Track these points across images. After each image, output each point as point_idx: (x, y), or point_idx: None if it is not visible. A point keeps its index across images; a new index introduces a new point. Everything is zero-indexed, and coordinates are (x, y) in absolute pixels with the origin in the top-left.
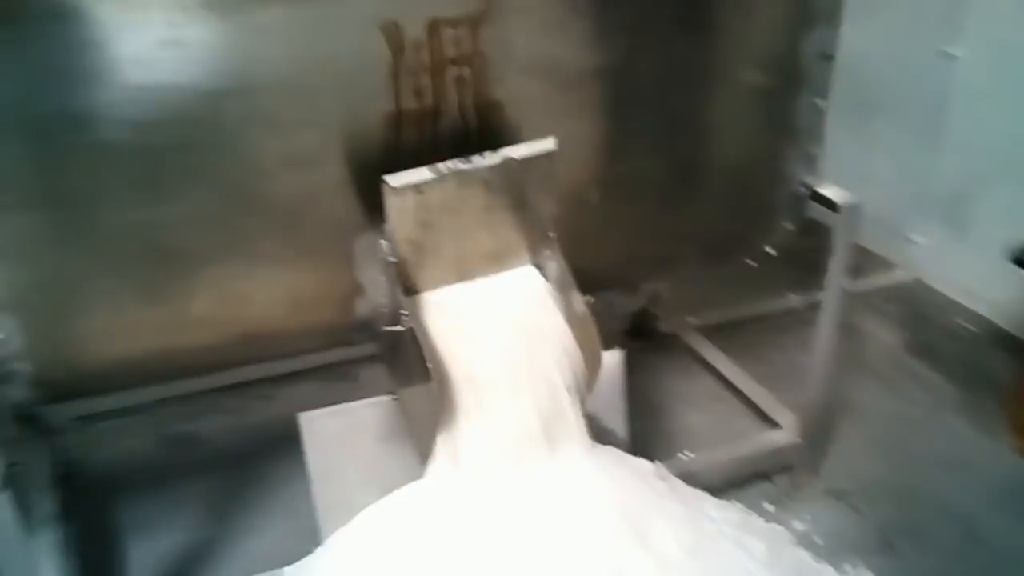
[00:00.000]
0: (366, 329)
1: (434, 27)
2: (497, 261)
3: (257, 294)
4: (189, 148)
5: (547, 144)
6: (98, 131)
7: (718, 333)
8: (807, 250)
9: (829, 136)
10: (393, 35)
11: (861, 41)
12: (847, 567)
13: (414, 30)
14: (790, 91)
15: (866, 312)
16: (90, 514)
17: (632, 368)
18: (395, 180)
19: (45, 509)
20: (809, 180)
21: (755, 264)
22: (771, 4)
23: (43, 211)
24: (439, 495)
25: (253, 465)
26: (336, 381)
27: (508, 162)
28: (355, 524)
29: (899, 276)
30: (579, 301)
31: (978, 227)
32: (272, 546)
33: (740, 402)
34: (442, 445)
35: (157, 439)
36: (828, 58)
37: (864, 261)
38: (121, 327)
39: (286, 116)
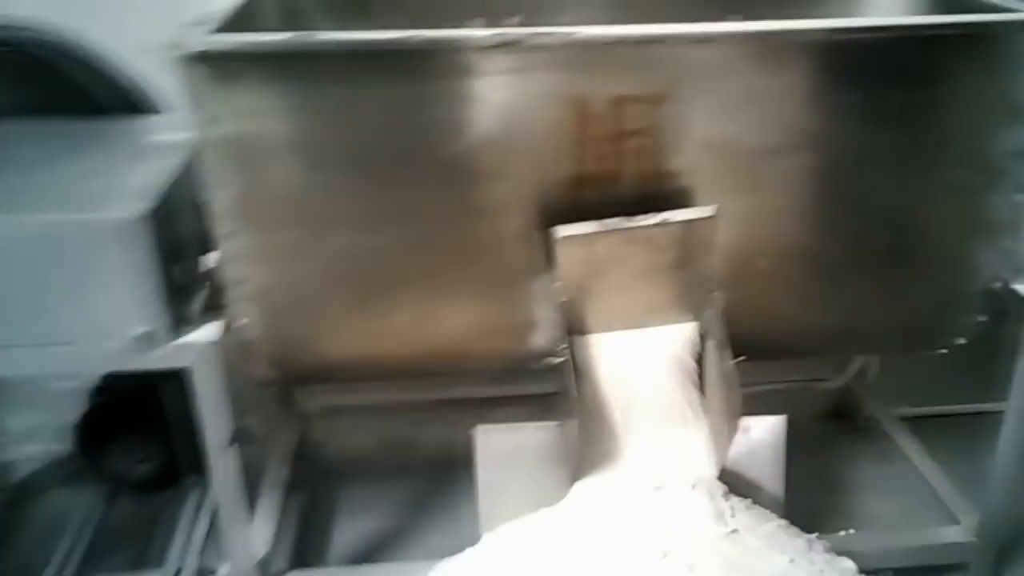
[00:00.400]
0: (538, 361)
1: (618, 102)
2: (661, 314)
3: (447, 317)
4: (404, 189)
5: (706, 211)
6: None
7: (920, 423)
8: None
9: None
10: (580, 108)
11: None
12: None
13: (600, 104)
14: (988, 185)
15: None
16: (314, 489)
17: (824, 445)
18: (563, 230)
19: (280, 475)
20: (1005, 274)
21: (946, 352)
22: (971, 97)
23: (292, 229)
24: (568, 521)
25: (456, 472)
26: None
27: (667, 223)
28: (501, 533)
29: None
30: (728, 359)
31: None
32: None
33: (926, 494)
34: (580, 475)
35: (384, 437)
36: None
37: None
38: (336, 329)
39: (488, 170)
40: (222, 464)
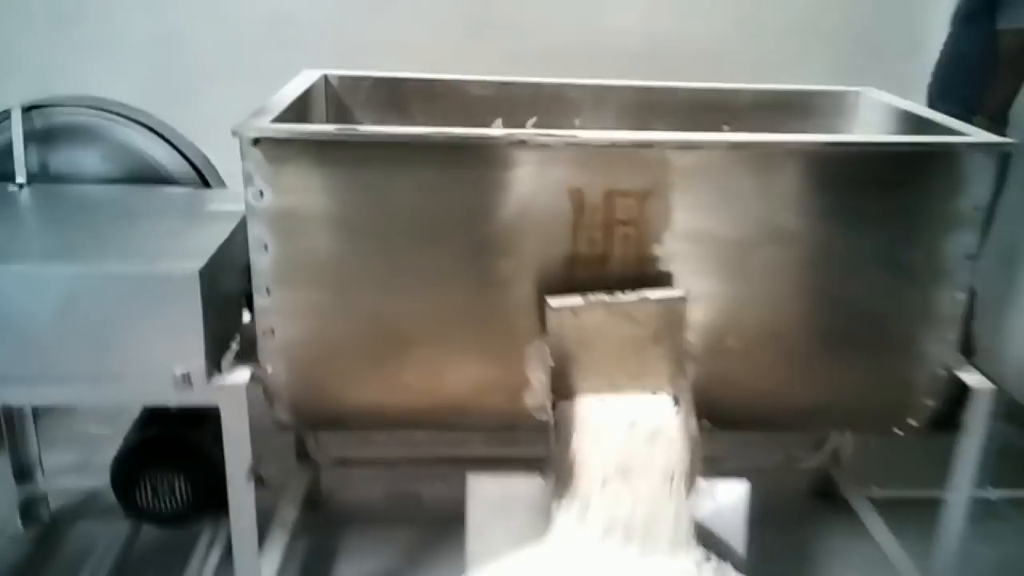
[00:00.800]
0: (530, 420)
1: (609, 196)
2: (639, 382)
3: (454, 374)
4: (424, 260)
5: (678, 292)
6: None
7: (894, 506)
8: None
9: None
10: (577, 198)
11: None
12: None
13: (594, 196)
14: (936, 283)
15: None
16: (319, 534)
17: (797, 521)
18: (554, 302)
19: (288, 517)
20: (950, 363)
21: (901, 434)
22: (925, 207)
23: (321, 290)
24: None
25: (457, 525)
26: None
27: (644, 300)
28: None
29: None
30: (694, 426)
31: None
32: None
33: (886, 570)
34: (555, 526)
35: (390, 490)
36: (971, 258)
37: None
38: (353, 381)
39: (498, 247)
40: (241, 496)
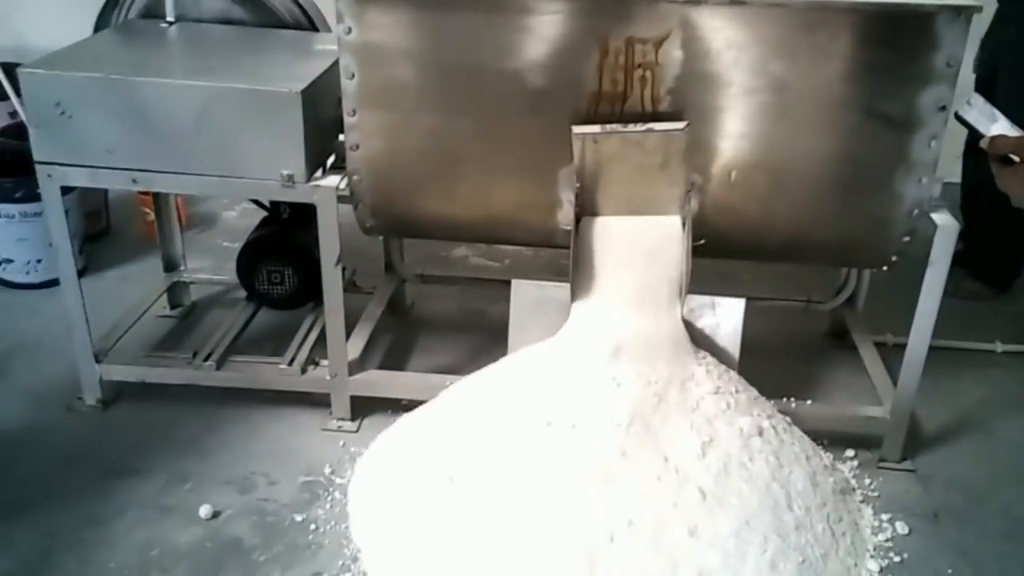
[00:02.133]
0: (561, 233)
1: (630, 42)
2: (652, 205)
3: (497, 191)
4: (473, 90)
5: (679, 125)
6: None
7: (894, 349)
8: None
9: None
10: (603, 44)
11: None
12: None
13: (617, 42)
14: (912, 131)
15: None
16: (400, 333)
17: (809, 354)
18: (578, 129)
19: (374, 313)
20: (923, 204)
21: (884, 268)
22: (900, 60)
23: (394, 111)
24: (558, 350)
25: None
26: None
27: (650, 131)
28: (516, 354)
29: None
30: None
31: None
32: None
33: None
34: (573, 313)
35: (462, 306)
36: (942, 109)
37: None
38: (419, 191)
39: (533, 85)
40: (332, 280)
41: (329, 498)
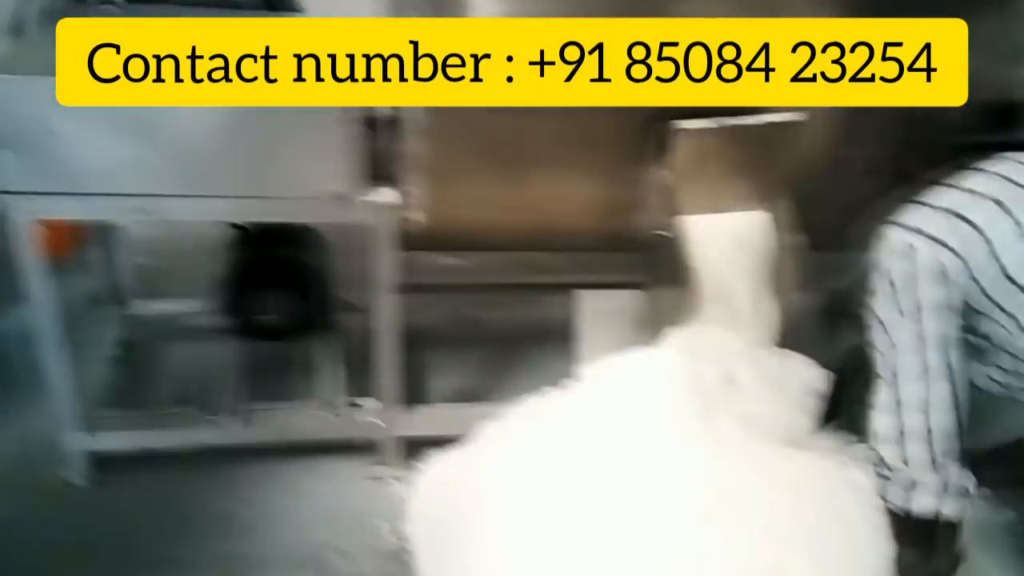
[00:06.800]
0: (641, 236)
1: None
2: (744, 201)
3: (571, 195)
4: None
5: (797, 116)
6: None
7: None
8: None
9: None
10: None
11: None
12: None
13: None
14: None
15: None
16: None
17: None
18: (683, 124)
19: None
20: None
21: None
22: None
23: (448, 112)
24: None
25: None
26: None
27: (767, 123)
28: (600, 366)
29: None
30: (799, 240)
31: None
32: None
33: None
34: (681, 327)
35: (454, 314)
36: None
37: None
38: (483, 199)
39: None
40: (387, 306)
41: None
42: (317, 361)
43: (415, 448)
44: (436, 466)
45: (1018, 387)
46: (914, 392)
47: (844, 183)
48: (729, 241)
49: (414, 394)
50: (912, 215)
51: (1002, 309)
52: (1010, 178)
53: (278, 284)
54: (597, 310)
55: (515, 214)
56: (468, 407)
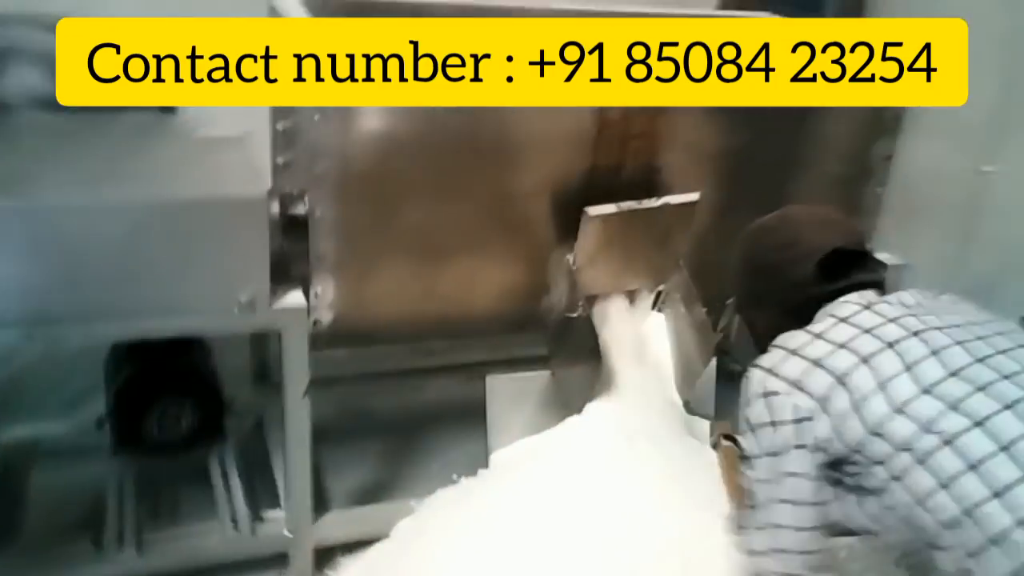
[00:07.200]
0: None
1: (628, 114)
2: (639, 279)
3: (483, 282)
4: (456, 179)
5: (693, 196)
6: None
7: None
8: None
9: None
10: (602, 118)
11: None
12: None
13: (614, 114)
14: (859, 180)
15: None
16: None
17: None
18: (593, 210)
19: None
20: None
21: None
22: (852, 118)
23: (360, 207)
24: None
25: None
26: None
27: (666, 205)
28: (513, 448)
29: None
30: (700, 312)
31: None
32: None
33: None
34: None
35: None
36: (888, 158)
37: None
38: (394, 292)
39: (525, 164)
40: (298, 414)
41: None
42: (212, 475)
43: (325, 556)
44: (352, 571)
45: (892, 537)
46: (779, 517)
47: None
48: (635, 316)
49: (318, 498)
50: (771, 358)
51: (869, 459)
52: (864, 327)
53: (184, 393)
54: (507, 394)
55: (424, 304)
56: (381, 506)
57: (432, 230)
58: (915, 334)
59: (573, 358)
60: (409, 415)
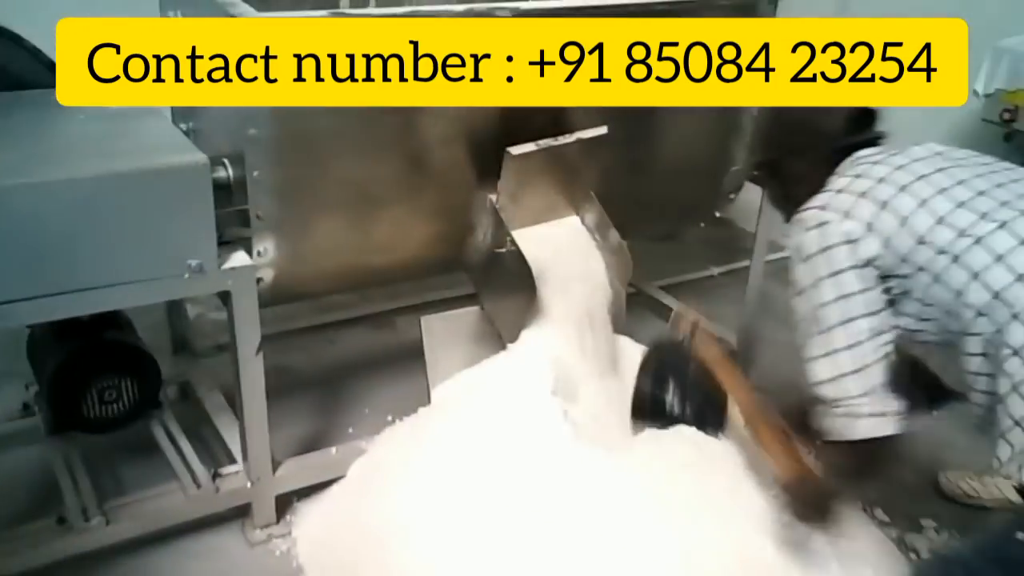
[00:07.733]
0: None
1: None
2: (556, 211)
3: (415, 231)
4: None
5: (602, 130)
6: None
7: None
8: None
9: None
10: None
11: None
12: None
13: None
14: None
15: None
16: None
17: None
18: (515, 150)
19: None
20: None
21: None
22: None
23: (299, 168)
24: (525, 358)
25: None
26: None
27: (579, 140)
28: (453, 381)
29: None
30: (615, 236)
31: None
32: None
33: None
34: (529, 326)
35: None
36: None
37: None
38: (331, 246)
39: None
40: (253, 372)
41: None
42: (160, 441)
43: (284, 503)
44: (314, 514)
45: (930, 332)
46: (841, 338)
47: (641, 183)
48: (559, 245)
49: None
50: (818, 200)
51: (915, 265)
52: (896, 165)
53: (120, 370)
54: (442, 332)
55: (362, 256)
56: (333, 449)
57: (364, 184)
58: (940, 170)
59: (503, 291)
60: (325, 368)
